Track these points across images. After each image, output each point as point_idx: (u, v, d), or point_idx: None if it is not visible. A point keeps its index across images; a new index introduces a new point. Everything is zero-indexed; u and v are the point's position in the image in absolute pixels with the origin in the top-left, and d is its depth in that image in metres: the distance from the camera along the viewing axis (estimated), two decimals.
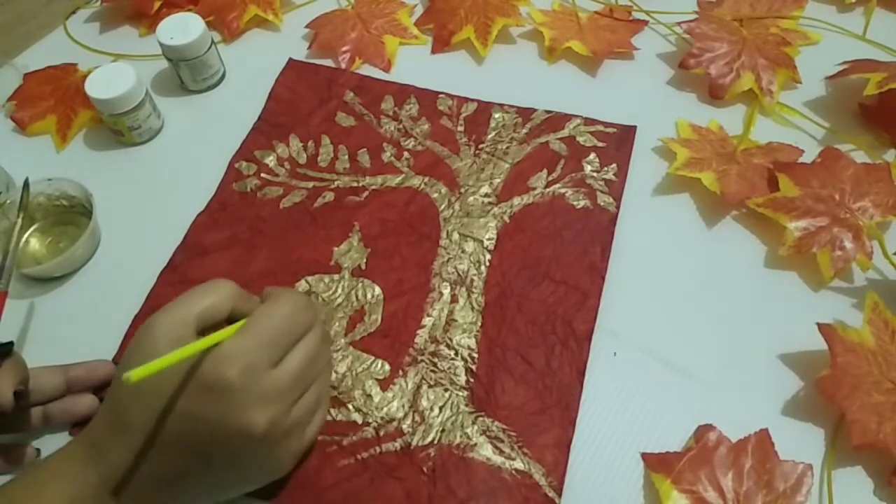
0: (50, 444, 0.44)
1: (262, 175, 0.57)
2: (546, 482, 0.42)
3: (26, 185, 0.50)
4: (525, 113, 0.60)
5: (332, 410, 0.45)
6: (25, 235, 0.53)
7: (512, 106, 0.60)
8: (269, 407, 0.35)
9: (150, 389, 0.34)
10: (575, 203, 0.54)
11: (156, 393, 0.34)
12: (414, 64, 0.65)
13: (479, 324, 0.48)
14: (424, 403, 0.45)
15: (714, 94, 0.60)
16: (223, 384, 0.33)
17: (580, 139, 0.58)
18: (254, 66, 0.64)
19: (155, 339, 0.35)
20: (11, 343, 0.41)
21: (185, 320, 0.36)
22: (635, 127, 0.58)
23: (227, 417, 0.34)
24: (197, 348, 0.34)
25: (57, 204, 0.54)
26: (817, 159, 0.54)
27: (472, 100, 0.61)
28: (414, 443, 0.44)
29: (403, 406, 0.45)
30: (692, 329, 0.48)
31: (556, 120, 0.59)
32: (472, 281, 0.50)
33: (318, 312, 0.40)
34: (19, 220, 0.48)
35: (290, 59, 0.65)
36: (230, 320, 0.38)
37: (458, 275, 0.51)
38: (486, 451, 0.43)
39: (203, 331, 0.36)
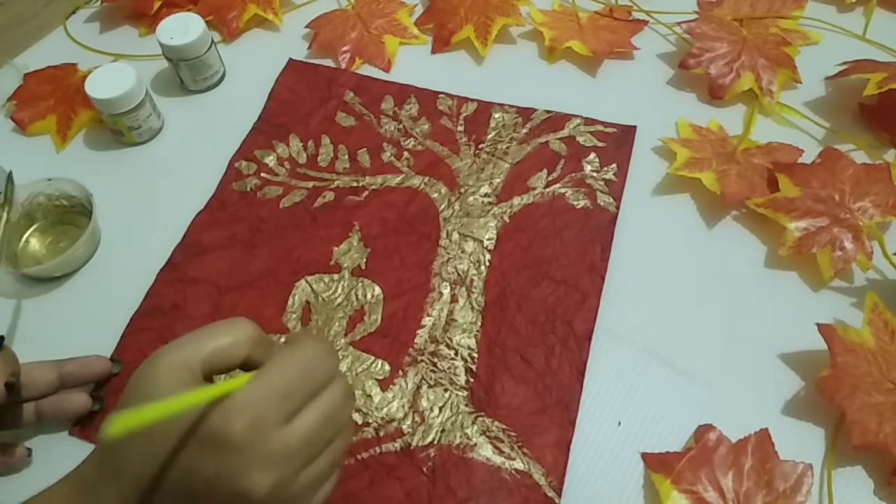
0: (47, 443, 0.44)
1: (262, 175, 0.57)
2: (546, 482, 0.42)
3: (10, 177, 0.49)
4: (525, 113, 0.60)
5: None
6: (25, 235, 0.53)
7: (512, 106, 0.60)
8: (274, 469, 0.31)
9: (147, 433, 0.30)
10: (575, 203, 0.54)
11: (152, 439, 0.31)
12: (414, 64, 0.65)
13: (479, 324, 0.48)
14: (424, 403, 0.45)
15: (714, 94, 0.60)
16: (225, 439, 0.30)
17: (580, 139, 0.58)
18: (254, 66, 0.64)
19: (156, 378, 0.31)
20: (2, 337, 0.41)
21: (190, 362, 0.32)
22: (635, 127, 0.58)
23: (227, 476, 0.30)
24: (195, 399, 0.29)
25: (57, 204, 0.54)
26: (817, 160, 0.54)
27: (472, 100, 0.61)
28: (414, 443, 0.44)
29: (403, 406, 0.45)
30: (692, 329, 0.48)
31: (556, 120, 0.59)
32: (471, 281, 0.50)
33: (338, 364, 0.35)
34: (5, 214, 0.48)
35: (290, 59, 0.65)
36: (246, 368, 0.33)
37: (458, 275, 0.51)
38: (485, 451, 0.43)
39: (211, 376, 0.33)
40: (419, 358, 0.47)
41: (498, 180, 0.56)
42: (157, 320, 0.49)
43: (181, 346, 0.32)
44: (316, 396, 0.33)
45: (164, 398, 0.29)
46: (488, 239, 0.52)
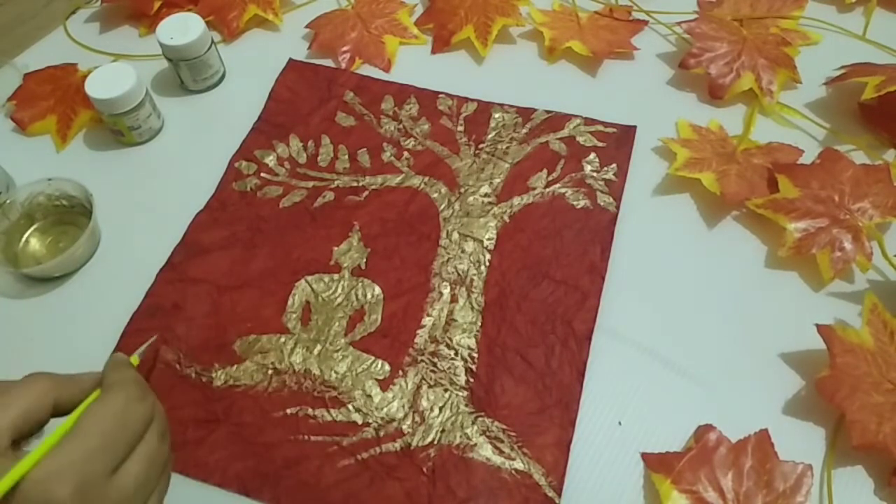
0: None
1: (262, 174, 0.57)
2: (546, 482, 0.42)
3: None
4: (525, 113, 0.60)
5: (332, 411, 0.45)
6: (25, 235, 0.53)
7: (512, 106, 0.60)
8: None
9: None
10: (575, 203, 0.54)
11: None
12: (414, 64, 0.65)
13: (479, 324, 0.48)
14: (424, 404, 0.45)
15: (714, 94, 0.60)
16: None
17: (580, 139, 0.58)
18: (254, 66, 0.64)
19: None
20: None
21: None
22: (635, 127, 0.58)
23: None
24: (10, 480, 0.27)
25: (57, 204, 0.54)
26: (816, 160, 0.54)
27: (472, 100, 0.61)
28: (414, 443, 0.44)
29: (403, 406, 0.45)
30: (692, 329, 0.48)
31: (556, 120, 0.59)
32: (471, 281, 0.50)
33: (155, 402, 0.34)
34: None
35: (290, 59, 0.65)
36: (58, 414, 0.32)
37: (458, 275, 0.51)
38: (485, 452, 0.43)
39: (22, 437, 0.31)
40: (419, 358, 0.47)
41: (498, 180, 0.56)
42: (158, 320, 0.49)
43: None
44: (137, 442, 0.32)
45: None
46: (488, 239, 0.52)
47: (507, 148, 0.58)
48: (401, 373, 0.47)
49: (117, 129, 0.57)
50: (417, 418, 0.45)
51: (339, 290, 0.50)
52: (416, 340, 0.48)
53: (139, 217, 0.55)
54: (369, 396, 0.46)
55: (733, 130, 0.58)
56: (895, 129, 0.57)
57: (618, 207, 0.54)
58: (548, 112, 0.60)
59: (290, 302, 0.50)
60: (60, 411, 0.32)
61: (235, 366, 0.47)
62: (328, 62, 0.65)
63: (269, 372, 0.47)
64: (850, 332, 0.45)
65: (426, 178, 0.56)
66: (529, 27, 0.66)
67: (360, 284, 0.50)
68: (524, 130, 0.59)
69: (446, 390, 0.46)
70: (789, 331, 0.47)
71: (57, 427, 0.31)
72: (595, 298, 0.49)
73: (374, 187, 0.56)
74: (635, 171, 0.56)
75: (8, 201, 0.52)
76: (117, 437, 0.31)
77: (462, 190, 0.55)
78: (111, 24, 0.69)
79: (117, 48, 0.66)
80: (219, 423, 0.45)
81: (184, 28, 0.58)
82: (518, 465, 0.43)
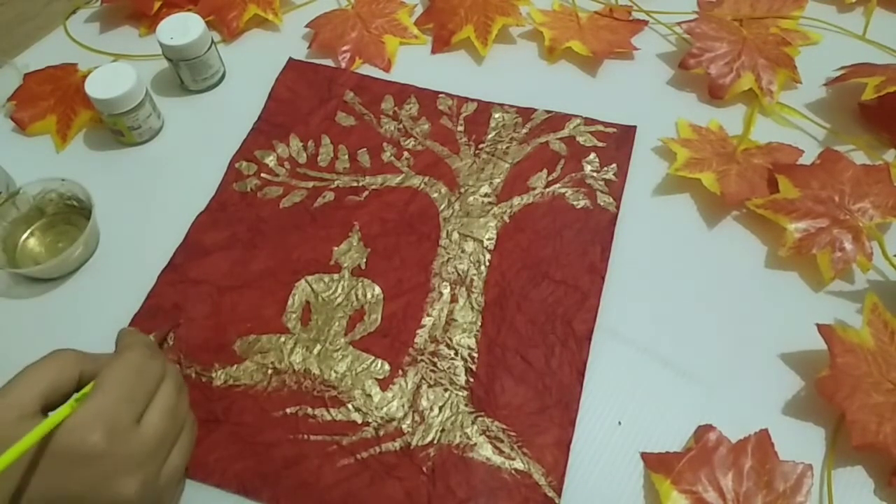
0: None
1: (263, 175, 0.57)
2: (546, 482, 0.42)
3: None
4: (525, 113, 0.60)
5: (331, 410, 0.45)
6: (25, 235, 0.53)
7: (512, 106, 0.60)
8: (140, 469, 0.32)
9: (4, 474, 0.30)
10: (575, 203, 0.54)
11: (6, 481, 0.31)
12: (414, 64, 0.65)
13: (479, 324, 0.48)
14: (424, 403, 0.45)
15: (714, 94, 0.60)
16: (87, 451, 0.31)
17: (580, 139, 0.58)
18: (254, 66, 0.64)
19: None
20: None
21: (26, 408, 0.32)
22: (635, 127, 0.58)
23: (97, 487, 0.31)
24: (42, 431, 0.31)
25: (69, 203, 0.54)
26: (816, 161, 0.54)
27: (472, 100, 0.61)
28: (414, 443, 0.44)
29: (403, 406, 0.45)
30: (692, 329, 0.48)
31: (556, 120, 0.59)
32: (471, 281, 0.50)
33: (165, 361, 0.38)
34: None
35: (290, 59, 0.65)
36: (81, 387, 0.35)
37: (458, 274, 0.51)
38: (485, 451, 0.43)
39: (50, 407, 0.34)
40: (419, 358, 0.47)
41: (498, 180, 0.56)
42: (159, 320, 0.49)
43: (12, 390, 0.33)
44: (153, 395, 0.35)
45: (11, 444, 0.30)
46: (488, 239, 0.52)
47: (507, 148, 0.58)
48: (401, 372, 0.47)
49: (117, 129, 0.57)
50: (417, 418, 0.45)
51: (339, 290, 0.50)
52: (415, 340, 0.48)
53: (139, 217, 0.55)
54: (369, 396, 0.46)
55: (733, 130, 0.58)
56: (895, 129, 0.57)
57: (618, 207, 0.54)
58: (548, 112, 0.60)
59: (290, 302, 0.50)
60: (84, 383, 0.35)
61: (235, 366, 0.47)
62: (328, 62, 0.65)
63: (269, 372, 0.47)
64: (851, 332, 0.45)
65: (426, 178, 0.56)
66: (529, 27, 0.66)
67: (360, 284, 0.50)
68: (524, 130, 0.59)
69: (446, 390, 0.46)
70: (789, 331, 0.47)
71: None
72: (595, 298, 0.49)
73: (374, 187, 0.56)
74: (635, 171, 0.56)
75: (21, 191, 0.52)
76: (136, 388, 0.34)
77: (462, 190, 0.55)
78: (111, 24, 0.69)
79: (117, 48, 0.66)
80: (218, 422, 0.45)
81: (184, 28, 0.58)
82: (518, 464, 0.43)
